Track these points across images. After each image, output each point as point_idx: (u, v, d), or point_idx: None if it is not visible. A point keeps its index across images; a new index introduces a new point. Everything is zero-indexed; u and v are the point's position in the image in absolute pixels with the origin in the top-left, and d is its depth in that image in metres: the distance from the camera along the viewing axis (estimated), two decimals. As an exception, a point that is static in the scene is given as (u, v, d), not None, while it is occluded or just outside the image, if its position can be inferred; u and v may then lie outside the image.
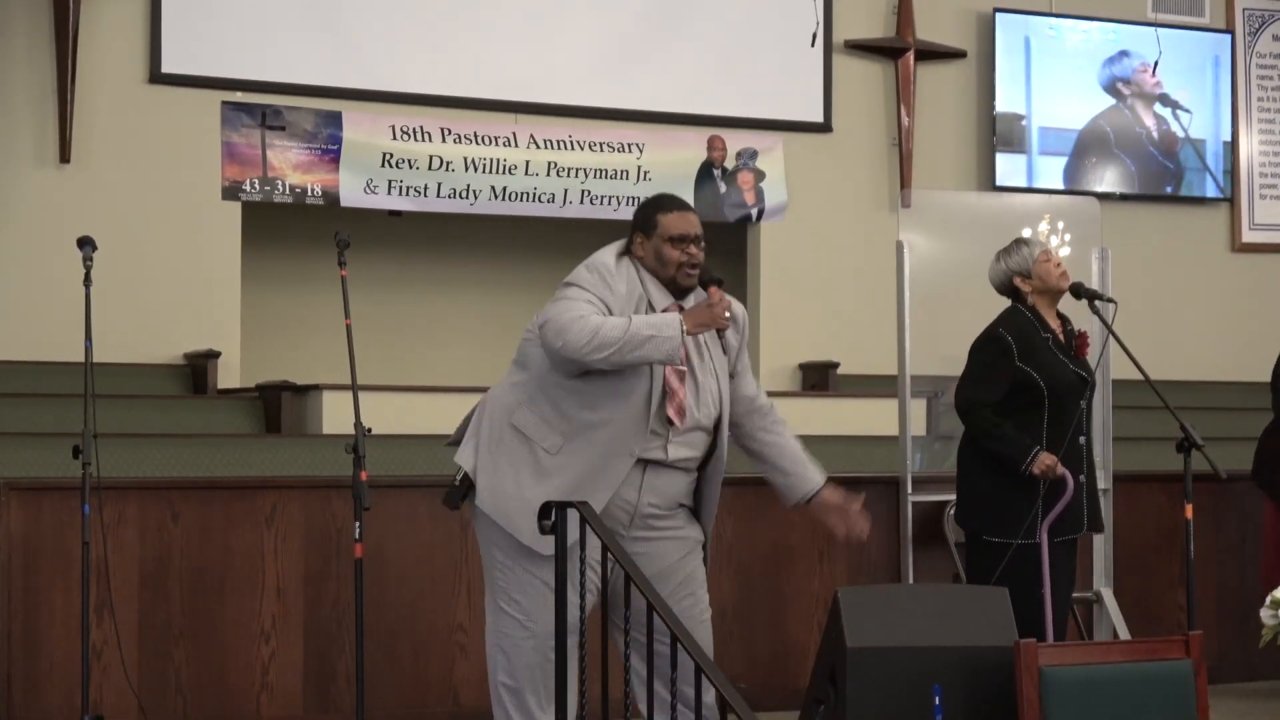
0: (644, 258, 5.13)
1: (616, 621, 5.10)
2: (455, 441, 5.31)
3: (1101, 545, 7.49)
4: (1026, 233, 7.31)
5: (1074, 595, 6.69)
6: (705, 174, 10.37)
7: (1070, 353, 6.52)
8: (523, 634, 5.09)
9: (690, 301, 5.15)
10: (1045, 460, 6.33)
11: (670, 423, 5.11)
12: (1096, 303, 6.64)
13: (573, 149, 10.03)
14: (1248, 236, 11.77)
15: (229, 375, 9.18)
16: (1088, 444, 6.55)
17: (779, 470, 5.45)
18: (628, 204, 10.12)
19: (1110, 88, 11.37)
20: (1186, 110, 11.56)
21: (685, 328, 4.93)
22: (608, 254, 5.15)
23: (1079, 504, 6.47)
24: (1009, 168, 11.06)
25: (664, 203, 5.21)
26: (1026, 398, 6.44)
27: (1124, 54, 11.44)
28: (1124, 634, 7.31)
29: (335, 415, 8.38)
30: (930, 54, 10.95)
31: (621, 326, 4.90)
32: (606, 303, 5.03)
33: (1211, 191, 11.57)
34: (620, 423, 5.06)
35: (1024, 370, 6.43)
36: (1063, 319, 6.63)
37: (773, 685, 7.11)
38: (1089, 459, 6.58)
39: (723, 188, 10.41)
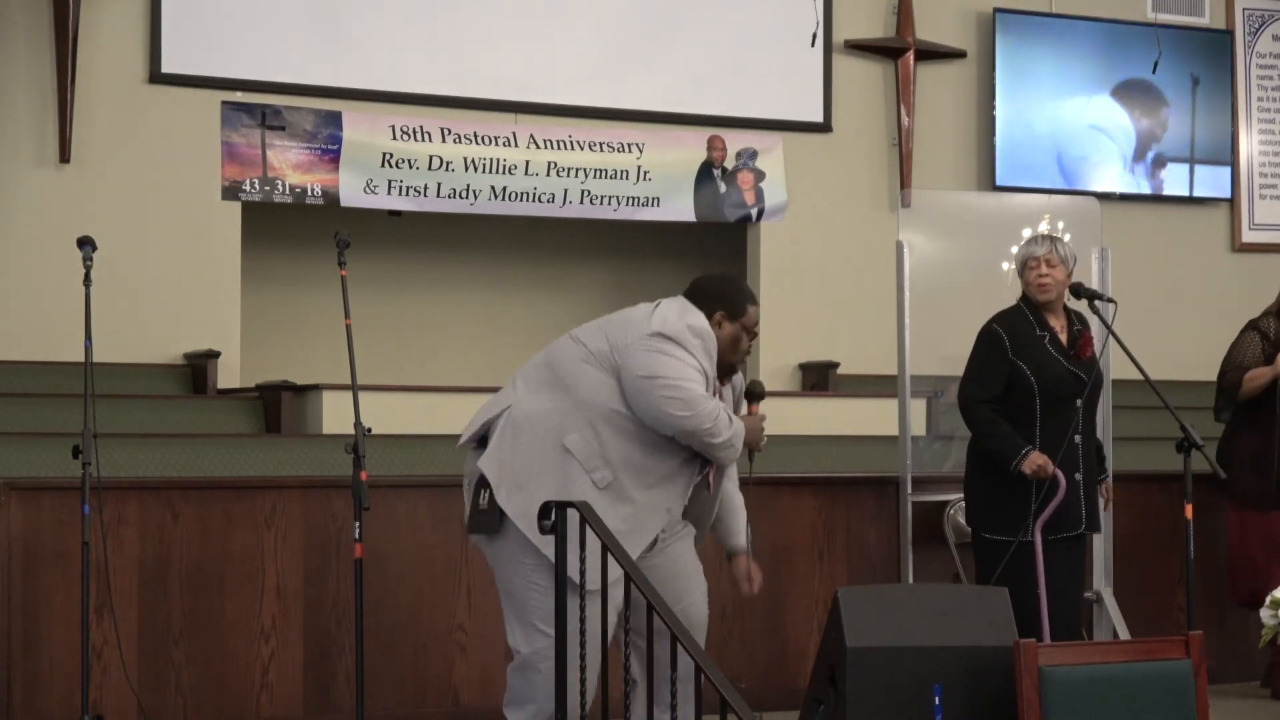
0: (720, 336, 5.29)
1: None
2: (474, 444, 5.30)
3: (1101, 545, 7.49)
4: (1044, 228, 7.32)
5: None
6: (705, 174, 10.37)
7: (1071, 352, 6.53)
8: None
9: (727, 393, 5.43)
10: (1035, 460, 6.36)
11: (708, 487, 5.39)
12: (1096, 303, 6.65)
13: (573, 149, 10.03)
14: (1248, 236, 11.77)
15: (229, 375, 9.18)
16: (1085, 443, 6.56)
17: (719, 514, 5.60)
18: (628, 204, 10.12)
19: None
20: None
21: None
22: (702, 320, 5.26)
23: (1076, 502, 6.49)
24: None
25: (750, 294, 5.44)
26: (1018, 394, 6.47)
27: None
28: (1124, 634, 7.31)
29: (335, 415, 8.38)
30: (930, 54, 10.94)
31: (725, 423, 5.15)
32: (708, 376, 5.22)
33: None
34: (671, 484, 5.24)
35: (1016, 365, 6.46)
36: (1071, 318, 6.64)
37: (773, 685, 7.12)
38: (1089, 458, 6.59)
39: (723, 188, 10.41)
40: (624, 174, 10.14)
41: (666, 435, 5.14)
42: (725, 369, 5.35)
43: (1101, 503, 6.79)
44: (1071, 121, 11.24)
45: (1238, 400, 7.70)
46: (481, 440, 5.31)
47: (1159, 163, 11.50)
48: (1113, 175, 11.35)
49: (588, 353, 5.20)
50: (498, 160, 9.85)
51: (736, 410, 5.43)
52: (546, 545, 5.01)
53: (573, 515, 4.90)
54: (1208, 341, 11.23)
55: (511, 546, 5.18)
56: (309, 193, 9.48)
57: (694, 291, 5.36)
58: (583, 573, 4.84)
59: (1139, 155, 11.48)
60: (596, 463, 5.12)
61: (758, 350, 10.35)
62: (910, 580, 7.20)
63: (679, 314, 5.22)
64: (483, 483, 5.21)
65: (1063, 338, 6.58)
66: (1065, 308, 6.66)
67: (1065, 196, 9.99)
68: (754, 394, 5.46)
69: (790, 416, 9.24)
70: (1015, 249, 6.88)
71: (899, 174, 10.80)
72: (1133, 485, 7.74)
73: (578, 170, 10.02)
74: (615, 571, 4.88)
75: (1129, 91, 11.41)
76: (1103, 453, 6.86)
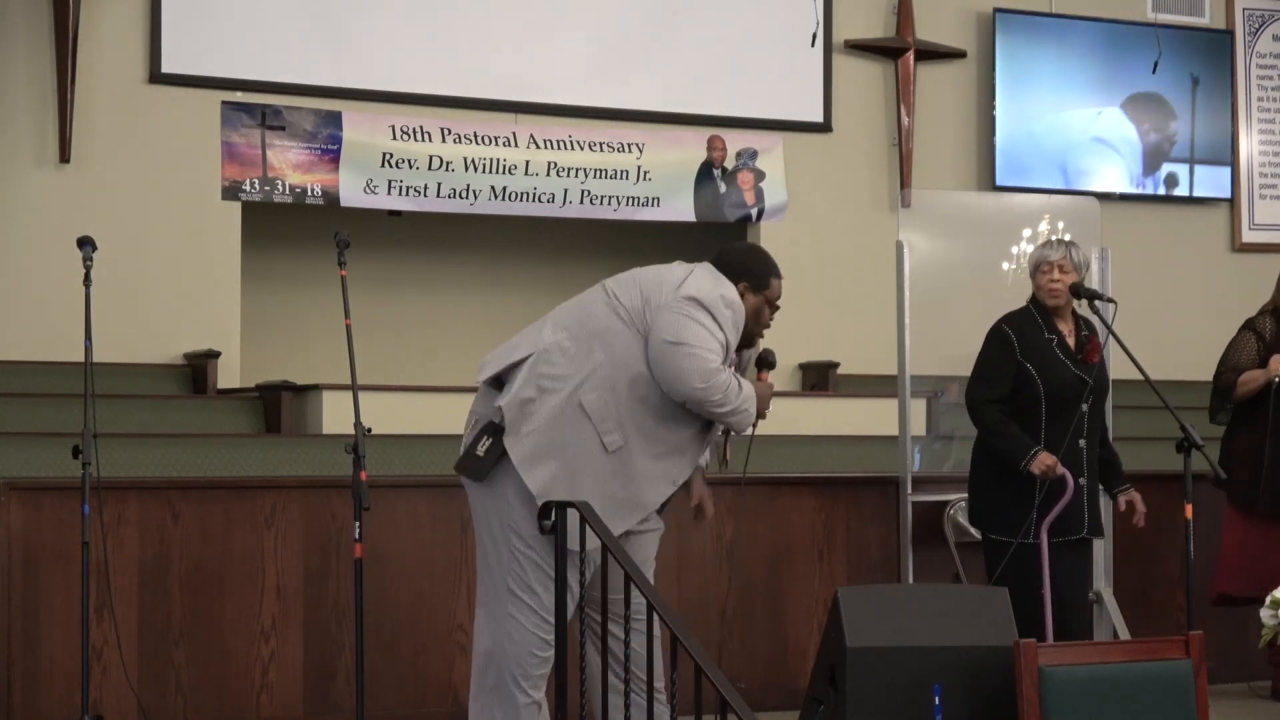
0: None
1: (615, 614, 5.15)
2: (492, 381, 5.28)
3: (1101, 545, 7.49)
4: (1044, 229, 7.32)
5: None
6: (705, 174, 10.37)
7: (1078, 356, 6.54)
8: (538, 622, 5.09)
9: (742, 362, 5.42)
10: (1045, 460, 6.36)
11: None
12: (1096, 303, 6.65)
13: (573, 149, 10.03)
14: (1248, 236, 11.78)
15: (229, 375, 9.18)
16: (1089, 447, 6.56)
17: None
18: (628, 204, 10.12)
19: None
20: None
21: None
22: (734, 292, 5.25)
23: (1079, 506, 6.49)
24: None
25: (775, 267, 5.42)
26: (1025, 396, 6.48)
27: None
28: (1124, 634, 7.31)
29: (335, 415, 8.38)
30: (930, 54, 10.95)
31: (734, 393, 5.12)
32: (730, 347, 5.21)
33: None
34: (679, 456, 5.23)
35: (1024, 366, 6.47)
36: (1079, 324, 6.66)
37: (773, 685, 7.12)
38: (1093, 463, 6.60)
39: (723, 188, 10.41)
40: (624, 174, 10.14)
41: (679, 402, 5.13)
42: (746, 340, 5.34)
43: (1135, 516, 6.74)
44: (1078, 132, 11.23)
45: (1232, 402, 7.69)
46: (496, 381, 5.29)
47: (1171, 181, 11.51)
48: (1119, 185, 11.37)
49: (621, 307, 5.18)
50: (498, 160, 9.85)
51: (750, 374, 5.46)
52: (538, 490, 5.04)
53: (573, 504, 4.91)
54: (1208, 341, 11.23)
55: (500, 500, 5.15)
56: (309, 193, 9.49)
57: (720, 260, 5.34)
58: (583, 577, 4.85)
59: (1149, 169, 11.48)
60: (610, 425, 5.11)
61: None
62: (910, 580, 7.20)
63: (713, 283, 5.20)
64: (488, 429, 5.19)
65: (1070, 341, 6.58)
66: (1074, 313, 6.67)
67: (1065, 196, 9.99)
68: (765, 362, 5.47)
69: (790, 416, 9.26)
70: (1016, 249, 6.88)
71: (899, 174, 10.81)
72: (1133, 485, 7.73)
73: (578, 170, 10.02)
74: (591, 541, 4.91)
75: (1139, 104, 11.42)
76: (1116, 459, 6.82)
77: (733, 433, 5.36)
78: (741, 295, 5.26)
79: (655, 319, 5.11)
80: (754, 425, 5.31)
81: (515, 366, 5.22)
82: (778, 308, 5.41)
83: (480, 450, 5.17)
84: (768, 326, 5.43)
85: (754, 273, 5.32)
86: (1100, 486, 6.70)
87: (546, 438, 5.09)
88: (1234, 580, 7.55)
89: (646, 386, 5.12)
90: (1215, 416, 7.80)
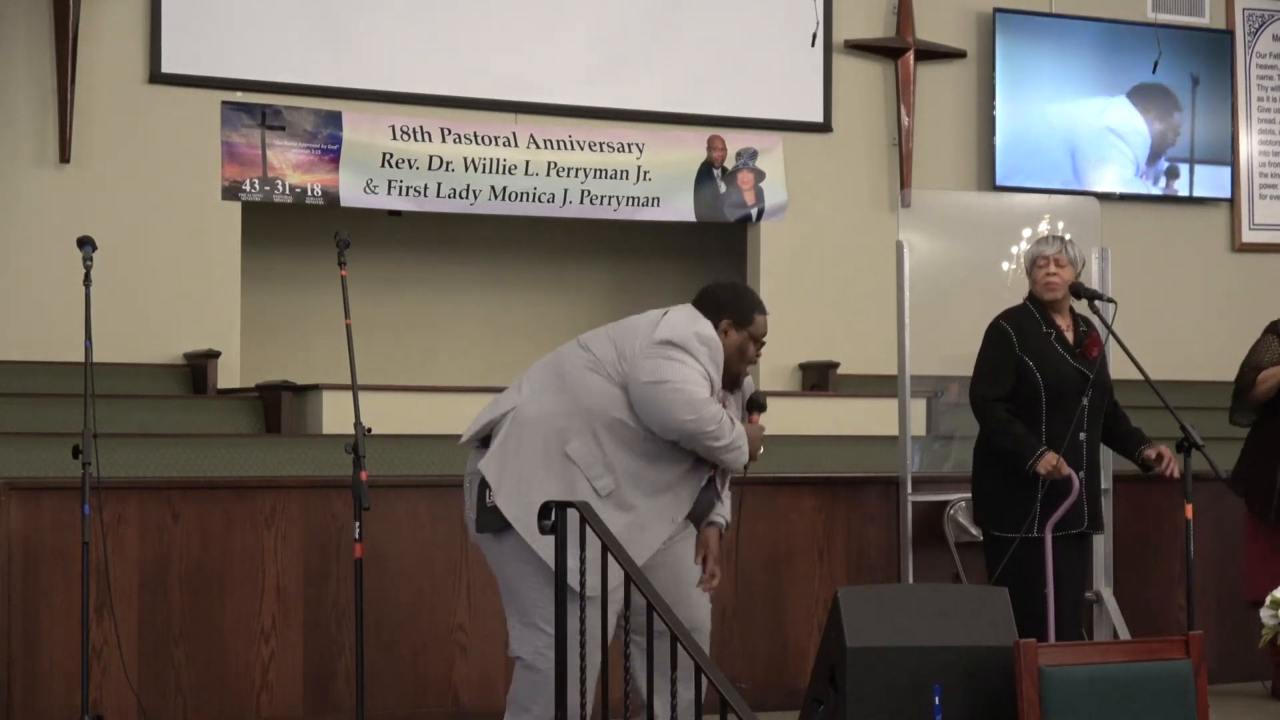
0: (726, 344, 5.29)
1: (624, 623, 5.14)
2: (476, 443, 5.29)
3: (1101, 545, 7.49)
4: (1044, 228, 7.33)
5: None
6: (705, 174, 10.37)
7: (1077, 350, 6.55)
8: (569, 657, 5.06)
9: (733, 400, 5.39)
10: (1050, 460, 6.37)
11: (717, 495, 5.41)
12: (1096, 303, 6.66)
13: (573, 149, 10.02)
14: (1248, 236, 11.77)
15: (229, 375, 9.18)
16: (1089, 442, 6.56)
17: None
18: (628, 204, 10.12)
19: None
20: None
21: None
22: (709, 327, 5.25)
23: (1080, 500, 6.50)
24: None
25: (759, 303, 5.42)
26: (1024, 390, 6.49)
27: None
28: (1124, 634, 7.32)
29: (335, 415, 8.37)
30: (930, 54, 10.94)
31: (728, 427, 5.14)
32: (713, 382, 5.20)
33: None
34: (673, 493, 5.23)
35: (1023, 360, 6.49)
36: (1077, 319, 6.67)
37: (773, 685, 7.12)
38: (1091, 457, 6.60)
39: (723, 188, 10.41)
40: (624, 174, 10.14)
41: (670, 442, 5.13)
42: (731, 377, 5.34)
43: (1165, 461, 6.66)
44: (1084, 123, 11.23)
45: (1249, 401, 7.68)
46: (484, 440, 5.31)
47: (1172, 173, 11.50)
48: (1123, 178, 11.36)
49: (594, 360, 5.20)
50: (498, 160, 9.85)
51: (741, 415, 5.43)
52: (546, 550, 5.00)
53: (573, 516, 4.88)
54: (1208, 341, 11.28)
55: (515, 546, 5.17)
56: (309, 193, 9.48)
57: (702, 299, 5.36)
58: (583, 579, 4.84)
59: (1152, 159, 11.48)
60: (599, 470, 5.11)
61: (758, 350, 10.34)
62: (910, 580, 7.21)
63: (686, 322, 5.22)
64: (485, 483, 5.21)
65: (1069, 336, 6.60)
66: (1072, 310, 6.68)
67: (1065, 196, 9.99)
68: (756, 404, 5.46)
69: (790, 416, 9.26)
70: (1016, 249, 6.89)
71: (899, 174, 10.80)
72: (1133, 485, 7.74)
73: (578, 170, 10.02)
74: (616, 577, 4.86)
75: (1144, 95, 11.42)
76: (1135, 429, 6.79)
77: (728, 472, 5.38)
78: (725, 332, 5.27)
79: (631, 368, 5.12)
80: (745, 468, 5.32)
81: (497, 423, 5.23)
82: (763, 344, 5.40)
83: (489, 502, 5.18)
84: (753, 362, 5.44)
85: (738, 308, 5.33)
86: (1132, 455, 6.67)
87: (540, 494, 5.07)
88: (1260, 585, 7.52)
89: (627, 430, 5.13)
90: (1235, 417, 7.78)
